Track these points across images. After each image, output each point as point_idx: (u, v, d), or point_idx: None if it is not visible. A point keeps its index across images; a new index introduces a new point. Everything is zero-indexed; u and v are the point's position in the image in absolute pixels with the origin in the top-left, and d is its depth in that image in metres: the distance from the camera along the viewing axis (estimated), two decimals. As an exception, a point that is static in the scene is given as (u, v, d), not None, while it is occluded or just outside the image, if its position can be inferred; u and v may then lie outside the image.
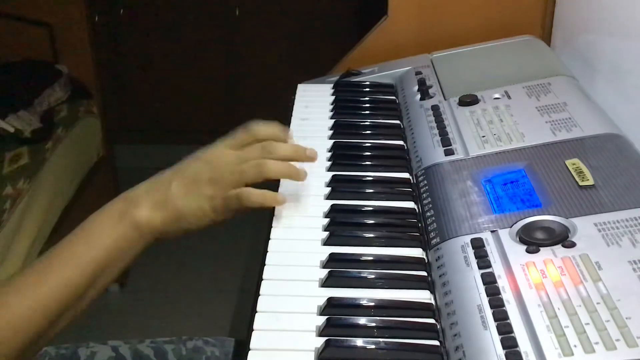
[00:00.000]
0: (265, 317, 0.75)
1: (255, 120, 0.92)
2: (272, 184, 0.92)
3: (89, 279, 0.79)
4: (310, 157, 0.92)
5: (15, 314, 0.74)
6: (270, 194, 0.86)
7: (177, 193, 0.84)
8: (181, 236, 0.86)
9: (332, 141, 1.10)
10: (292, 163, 0.89)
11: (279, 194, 0.88)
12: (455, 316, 0.72)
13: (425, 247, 0.86)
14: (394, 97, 1.26)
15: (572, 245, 0.75)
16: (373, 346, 0.71)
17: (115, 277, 0.83)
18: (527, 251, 0.76)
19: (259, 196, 0.85)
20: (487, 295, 0.72)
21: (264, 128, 0.91)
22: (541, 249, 0.76)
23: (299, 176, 0.89)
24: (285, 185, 0.95)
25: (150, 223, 0.83)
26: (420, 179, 0.99)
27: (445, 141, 1.03)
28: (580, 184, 0.85)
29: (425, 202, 0.93)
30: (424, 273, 0.82)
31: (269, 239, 0.88)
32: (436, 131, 1.07)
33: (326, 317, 0.74)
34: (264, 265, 0.83)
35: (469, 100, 1.12)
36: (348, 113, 1.20)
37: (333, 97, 1.26)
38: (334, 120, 1.17)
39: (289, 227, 0.90)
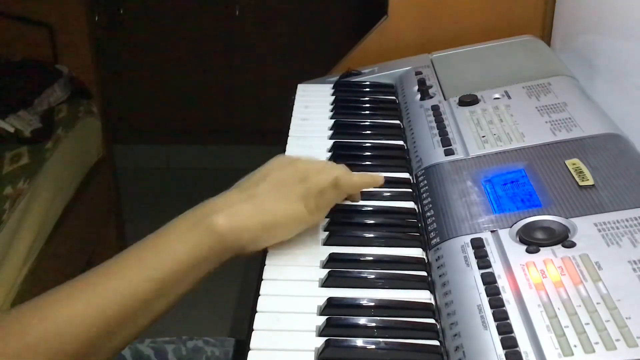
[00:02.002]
0: (265, 317, 0.75)
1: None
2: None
3: (156, 288, 0.72)
4: (381, 182, 0.90)
5: (63, 317, 0.68)
6: (369, 175, 0.84)
7: (266, 194, 0.78)
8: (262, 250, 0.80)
9: (332, 141, 1.10)
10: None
11: (377, 175, 0.85)
12: (455, 316, 0.72)
13: (425, 247, 0.86)
14: (394, 97, 1.26)
15: (572, 245, 0.75)
16: (373, 346, 0.71)
17: (186, 291, 0.76)
18: (527, 251, 0.76)
19: (359, 177, 0.83)
20: (487, 295, 0.72)
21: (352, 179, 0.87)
22: (541, 249, 0.76)
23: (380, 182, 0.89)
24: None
25: (232, 230, 0.76)
26: (420, 179, 0.99)
27: (445, 141, 1.03)
28: (580, 184, 0.85)
29: (425, 202, 0.93)
30: (424, 273, 0.82)
31: (269, 239, 0.88)
32: (436, 131, 1.07)
33: (326, 317, 0.74)
34: (264, 265, 0.83)
35: (469, 100, 1.12)
36: (348, 113, 1.20)
37: (333, 97, 1.26)
38: (334, 120, 1.18)
39: (289, 227, 0.90)
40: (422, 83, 1.22)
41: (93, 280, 0.71)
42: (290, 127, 1.16)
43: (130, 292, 0.71)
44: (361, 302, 0.76)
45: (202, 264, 0.76)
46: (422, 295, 0.78)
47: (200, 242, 0.75)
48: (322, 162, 0.86)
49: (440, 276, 0.79)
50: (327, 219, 0.91)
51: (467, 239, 0.81)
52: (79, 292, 0.70)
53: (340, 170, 0.85)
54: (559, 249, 0.75)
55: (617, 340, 0.63)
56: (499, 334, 0.67)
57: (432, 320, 0.75)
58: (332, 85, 1.31)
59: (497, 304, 0.71)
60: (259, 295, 0.78)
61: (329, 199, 0.83)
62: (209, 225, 0.75)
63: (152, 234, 0.76)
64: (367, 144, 1.11)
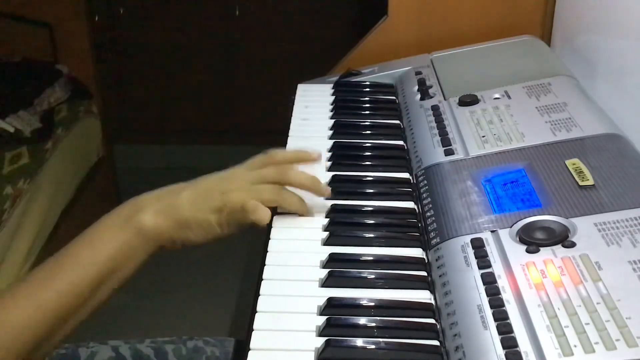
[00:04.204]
0: (265, 317, 0.75)
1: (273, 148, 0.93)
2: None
3: (93, 283, 0.78)
4: (324, 193, 0.92)
5: (17, 319, 0.74)
6: (267, 214, 0.85)
7: (185, 202, 0.84)
8: (187, 247, 0.85)
9: (332, 141, 1.10)
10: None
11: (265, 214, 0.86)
12: (455, 316, 0.72)
13: (425, 247, 0.86)
14: (394, 97, 1.26)
15: (572, 245, 0.75)
16: (373, 346, 0.71)
17: (120, 283, 0.82)
18: (527, 251, 0.76)
19: (265, 213, 0.84)
20: (487, 295, 0.72)
21: (282, 153, 0.92)
22: (541, 249, 0.76)
23: (307, 214, 0.91)
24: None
25: (155, 229, 0.82)
26: (420, 179, 0.99)
27: (445, 141, 1.03)
28: (580, 184, 0.85)
29: (425, 202, 0.93)
30: (424, 273, 0.82)
31: (269, 239, 0.88)
32: (436, 131, 1.07)
33: (326, 317, 0.74)
34: (264, 265, 0.83)
35: (469, 100, 1.12)
36: (348, 113, 1.20)
37: (333, 97, 1.26)
38: (334, 120, 1.18)
39: (289, 227, 0.90)
40: (422, 83, 1.22)
41: (36, 283, 0.77)
42: (290, 127, 1.16)
43: (71, 291, 0.77)
44: (361, 302, 0.76)
45: (132, 258, 0.82)
46: (422, 295, 0.78)
47: (129, 239, 0.81)
48: (258, 175, 0.87)
49: (440, 276, 0.79)
50: (327, 219, 0.91)
51: (467, 239, 0.81)
52: (25, 296, 0.76)
53: (265, 196, 0.86)
54: (559, 249, 0.75)
55: (617, 340, 0.63)
56: (499, 334, 0.67)
57: (432, 320, 0.75)
58: (332, 85, 1.31)
59: (497, 304, 0.71)
60: (259, 295, 0.78)
61: (238, 219, 0.85)
62: (135, 223, 0.81)
63: (85, 233, 0.82)
64: (367, 144, 1.11)
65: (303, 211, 0.91)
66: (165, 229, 0.83)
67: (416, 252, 0.85)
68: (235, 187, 0.86)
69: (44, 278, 0.77)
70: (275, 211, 0.91)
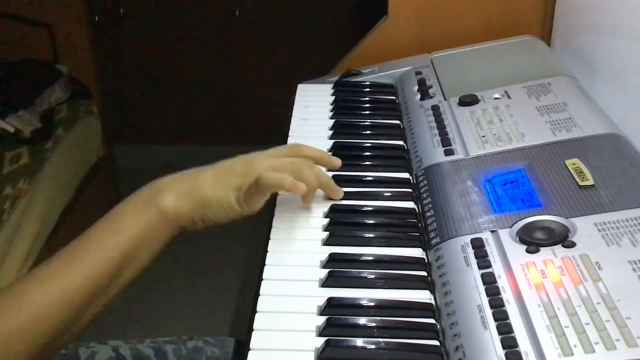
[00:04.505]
0: (265, 317, 0.75)
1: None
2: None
3: (115, 267, 0.78)
4: (337, 196, 0.94)
5: (40, 304, 0.73)
6: (291, 179, 0.86)
7: (205, 181, 0.84)
8: (209, 228, 0.86)
9: (332, 141, 1.10)
10: None
11: (299, 182, 0.87)
12: (455, 316, 0.72)
13: (425, 247, 0.86)
14: (394, 97, 1.26)
15: (572, 245, 0.75)
16: (373, 346, 0.71)
17: (143, 267, 0.81)
18: (527, 251, 0.76)
19: (277, 178, 0.85)
20: (487, 295, 0.72)
21: (308, 148, 0.93)
22: (541, 249, 0.76)
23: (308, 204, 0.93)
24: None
25: (176, 209, 0.82)
26: (420, 179, 0.99)
27: (445, 141, 1.03)
28: (580, 184, 0.85)
29: (425, 202, 0.93)
30: (424, 273, 0.82)
31: (269, 239, 0.88)
32: (436, 131, 1.07)
33: (326, 317, 0.74)
34: (264, 265, 0.83)
35: (469, 100, 1.12)
36: (348, 113, 1.20)
37: (333, 97, 1.26)
38: (334, 120, 1.18)
39: (289, 227, 0.90)
40: (422, 83, 1.22)
41: (60, 266, 0.77)
42: (290, 127, 1.16)
43: (94, 273, 0.76)
44: (361, 302, 0.76)
45: (154, 240, 0.82)
46: (422, 295, 0.78)
47: (151, 220, 0.81)
48: (280, 163, 0.88)
49: (440, 276, 0.79)
50: (327, 219, 0.91)
51: (467, 239, 0.81)
52: (49, 279, 0.75)
53: (286, 174, 0.87)
54: (559, 249, 0.75)
55: (617, 340, 0.63)
56: (499, 334, 0.67)
57: (432, 320, 0.75)
58: (332, 85, 1.31)
59: (497, 304, 0.71)
60: (259, 295, 0.78)
61: (255, 194, 0.87)
62: (156, 204, 0.82)
63: (106, 216, 0.81)
64: (367, 144, 1.11)
65: (310, 198, 0.92)
66: (186, 209, 0.83)
67: (416, 252, 0.85)
68: (255, 166, 0.86)
69: (67, 261, 0.77)
70: (275, 210, 0.91)
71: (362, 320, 0.74)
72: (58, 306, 0.74)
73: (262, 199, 0.88)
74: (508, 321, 0.68)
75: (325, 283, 0.80)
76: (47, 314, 0.73)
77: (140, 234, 0.80)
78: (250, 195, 0.86)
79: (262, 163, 0.87)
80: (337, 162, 0.96)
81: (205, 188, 0.84)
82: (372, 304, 0.76)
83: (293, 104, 1.25)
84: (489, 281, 0.74)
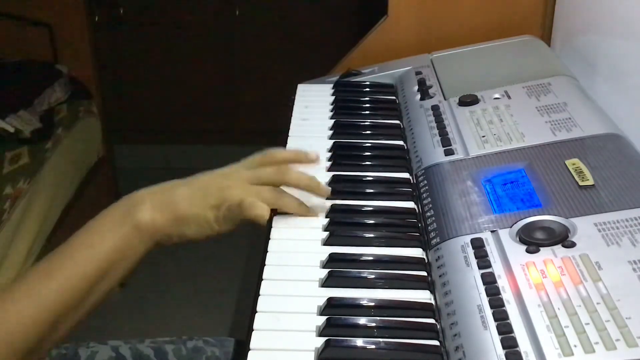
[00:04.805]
0: (265, 317, 0.75)
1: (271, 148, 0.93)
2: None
3: (90, 282, 0.78)
4: (323, 193, 0.92)
5: (17, 318, 0.74)
6: (267, 213, 0.85)
7: (183, 197, 0.84)
8: (183, 244, 0.86)
9: (332, 141, 1.10)
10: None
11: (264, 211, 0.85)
12: (455, 316, 0.72)
13: (425, 247, 0.86)
14: (394, 97, 1.26)
15: (572, 245, 0.75)
16: (373, 346, 0.71)
17: (118, 279, 0.82)
18: (527, 251, 0.76)
19: (262, 209, 0.84)
20: (487, 295, 0.72)
21: (281, 152, 0.92)
22: (541, 249, 0.76)
23: (306, 214, 0.91)
24: (285, 185, 0.94)
25: (151, 224, 0.82)
26: (420, 179, 0.99)
27: (445, 141, 1.03)
28: (580, 184, 0.85)
29: (425, 202, 0.93)
30: (424, 273, 0.82)
31: (269, 239, 0.88)
32: (436, 131, 1.07)
33: (326, 317, 0.74)
34: (264, 265, 0.83)
35: (469, 100, 1.12)
36: (348, 113, 1.20)
37: (333, 97, 1.26)
38: (334, 120, 1.18)
39: (289, 227, 0.90)
40: (422, 83, 1.22)
41: (35, 280, 0.77)
42: (290, 127, 1.16)
43: (69, 289, 0.77)
44: (361, 302, 0.76)
45: (130, 254, 0.82)
46: (422, 295, 0.78)
47: (126, 234, 0.81)
48: (256, 174, 0.88)
49: (440, 276, 0.79)
50: (327, 219, 0.91)
51: (467, 239, 0.81)
52: (24, 294, 0.76)
53: (265, 196, 0.86)
54: (559, 249, 0.75)
55: (617, 340, 0.63)
56: (499, 334, 0.67)
57: (432, 320, 0.75)
58: (332, 85, 1.31)
59: (497, 304, 0.71)
60: (259, 295, 0.78)
61: (235, 215, 0.85)
62: (132, 219, 0.82)
63: (82, 230, 0.82)
64: (367, 144, 1.11)
65: (302, 212, 0.91)
66: (162, 224, 0.83)
67: (416, 252, 0.85)
68: (234, 184, 0.86)
69: (43, 275, 0.77)
70: (275, 211, 0.91)
71: (362, 320, 0.74)
72: (33, 323, 0.75)
73: (238, 219, 0.86)
74: (508, 321, 0.68)
75: (325, 283, 0.80)
76: (23, 330, 0.74)
77: (116, 249, 0.80)
78: (230, 216, 0.85)
79: (239, 183, 0.86)
80: (312, 156, 0.94)
81: (182, 204, 0.84)
82: (372, 304, 0.76)
83: (293, 104, 1.25)
84: (489, 281, 0.74)
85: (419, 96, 1.19)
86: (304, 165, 0.92)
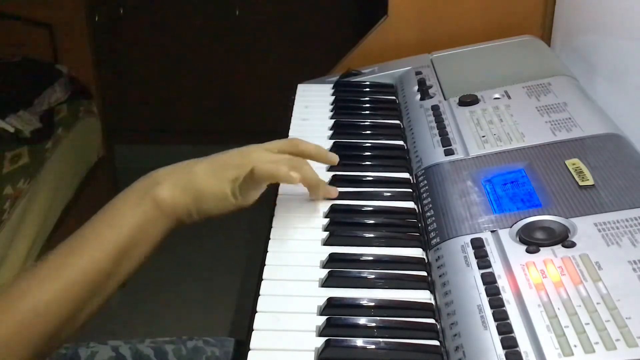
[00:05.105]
0: (265, 317, 0.75)
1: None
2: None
3: (114, 260, 0.78)
4: (330, 195, 0.94)
5: (40, 302, 0.73)
6: (284, 169, 0.85)
7: (201, 174, 0.84)
8: (204, 220, 0.86)
9: (332, 141, 1.10)
10: None
11: (293, 172, 0.86)
12: (455, 316, 0.72)
13: (425, 247, 0.86)
14: (394, 97, 1.26)
15: (572, 245, 0.75)
16: (373, 346, 0.71)
17: (140, 260, 0.81)
18: (527, 251, 0.76)
19: (271, 169, 0.85)
20: (487, 295, 0.72)
21: (305, 144, 0.93)
22: (541, 249, 0.76)
23: (322, 190, 0.93)
24: (284, 184, 0.95)
25: (172, 201, 0.82)
26: (420, 179, 0.99)
27: (445, 141, 1.03)
28: (580, 184, 0.85)
29: (425, 202, 0.93)
30: (424, 273, 0.82)
31: (269, 239, 0.88)
32: (436, 131, 1.07)
33: (326, 317, 0.74)
34: (264, 265, 0.83)
35: (469, 100, 1.12)
36: (348, 113, 1.20)
37: (333, 97, 1.26)
38: (334, 120, 1.18)
39: (289, 227, 0.90)
40: (422, 83, 1.22)
41: (59, 263, 0.76)
42: (290, 127, 1.16)
43: (93, 268, 0.77)
44: (361, 302, 0.76)
45: (152, 233, 0.81)
46: (422, 295, 0.78)
47: (147, 212, 0.81)
48: (275, 157, 0.88)
49: (440, 276, 0.79)
50: (327, 219, 0.91)
51: (467, 239, 0.81)
52: (48, 276, 0.75)
53: (282, 167, 0.86)
54: (559, 249, 0.75)
55: (617, 340, 0.63)
56: (499, 334, 0.67)
57: (432, 320, 0.75)
58: (332, 85, 1.31)
59: (497, 304, 0.71)
60: (259, 295, 0.78)
61: (250, 187, 0.87)
62: (152, 197, 0.82)
63: (102, 210, 0.82)
64: (367, 144, 1.11)
65: (319, 186, 0.92)
66: (181, 201, 0.83)
67: (416, 252, 0.85)
68: (251, 161, 0.86)
69: (65, 256, 0.77)
70: (275, 210, 0.91)
71: (362, 320, 0.74)
72: (58, 303, 0.74)
73: (257, 191, 0.88)
74: (508, 321, 0.68)
75: (325, 283, 0.80)
76: (47, 311, 0.73)
77: (138, 227, 0.80)
78: (246, 187, 0.86)
79: (258, 156, 0.87)
80: (334, 157, 0.96)
81: (200, 179, 0.84)
82: (372, 304, 0.76)
83: (293, 104, 1.25)
84: (489, 281, 0.74)
85: (419, 96, 1.19)
86: (323, 162, 0.96)
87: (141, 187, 0.83)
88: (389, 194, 0.97)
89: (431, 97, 1.18)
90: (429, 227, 0.88)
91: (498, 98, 1.11)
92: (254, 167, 0.85)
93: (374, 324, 0.73)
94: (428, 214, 0.90)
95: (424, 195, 0.95)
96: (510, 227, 0.81)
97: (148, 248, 0.81)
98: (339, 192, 0.95)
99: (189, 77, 2.85)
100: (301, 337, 0.72)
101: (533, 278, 0.72)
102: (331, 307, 0.76)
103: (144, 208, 0.81)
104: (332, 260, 0.83)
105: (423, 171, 0.99)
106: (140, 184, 0.84)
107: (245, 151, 0.89)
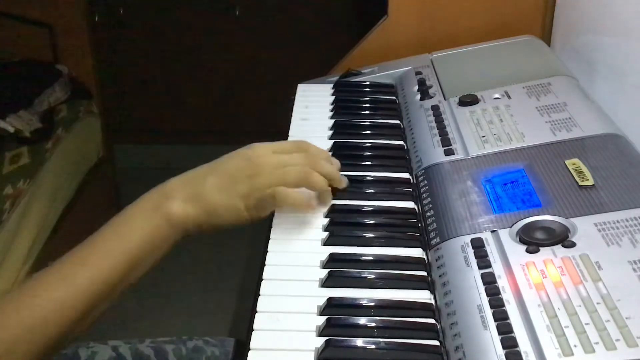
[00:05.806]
0: (265, 317, 0.75)
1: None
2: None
3: (122, 272, 0.78)
4: (343, 187, 0.94)
5: (46, 308, 0.74)
6: (306, 202, 0.86)
7: (212, 187, 0.84)
8: (212, 232, 0.86)
9: (332, 141, 1.10)
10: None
11: (312, 201, 0.87)
12: (455, 316, 0.72)
13: (425, 247, 0.86)
14: (394, 97, 1.26)
15: (572, 245, 0.75)
16: (373, 346, 0.71)
17: (146, 270, 0.82)
18: (527, 251, 0.76)
19: (296, 198, 0.85)
20: (487, 295, 0.72)
21: (314, 146, 0.92)
22: (541, 249, 0.76)
23: (327, 201, 0.92)
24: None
25: (183, 216, 0.82)
26: (420, 179, 0.99)
27: (445, 141, 1.03)
28: (580, 184, 0.85)
29: (425, 202, 0.93)
30: (424, 273, 0.82)
31: (269, 239, 0.88)
32: (436, 131, 1.07)
33: (326, 317, 0.74)
34: (264, 265, 0.83)
35: (469, 100, 1.12)
36: (348, 113, 1.20)
37: (333, 97, 1.26)
38: (334, 120, 1.18)
39: (289, 227, 0.90)
40: (422, 83, 1.22)
41: (67, 271, 0.77)
42: (290, 127, 1.16)
43: (101, 278, 0.77)
44: (361, 302, 0.76)
45: (160, 246, 0.82)
46: (422, 295, 0.78)
47: (158, 226, 0.81)
48: (285, 160, 0.88)
49: (440, 276, 0.79)
50: (327, 219, 0.91)
51: (467, 239, 0.81)
52: (56, 284, 0.76)
53: (291, 179, 0.86)
54: (559, 249, 0.75)
55: (617, 340, 0.63)
56: (499, 334, 0.67)
57: (432, 320, 0.75)
58: (332, 85, 1.31)
59: (497, 304, 0.71)
60: (259, 295, 0.78)
61: (267, 205, 0.86)
62: (164, 211, 0.82)
63: (113, 220, 0.82)
64: (367, 144, 1.11)
65: (327, 197, 0.92)
66: (193, 216, 0.83)
67: (416, 252, 0.85)
68: (261, 170, 0.86)
69: (74, 265, 0.77)
70: (275, 210, 0.91)
71: (362, 320, 0.74)
72: (64, 311, 0.74)
73: (271, 207, 0.88)
74: (508, 321, 0.68)
75: (325, 283, 0.80)
76: (53, 318, 0.74)
77: (148, 240, 0.81)
78: (262, 205, 0.86)
79: (268, 161, 0.86)
80: (342, 182, 0.94)
81: (212, 195, 0.84)
82: (372, 304, 0.76)
83: (293, 103, 1.25)
84: (489, 281, 0.74)
85: (419, 96, 1.19)
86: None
87: (153, 200, 0.83)
88: (389, 194, 0.97)
89: (431, 97, 1.18)
90: (429, 227, 0.88)
91: (498, 98, 1.11)
92: (275, 192, 0.84)
93: (374, 324, 0.73)
94: (428, 214, 0.90)
95: (424, 195, 0.95)
96: (510, 227, 0.81)
97: (155, 259, 0.82)
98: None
99: (189, 77, 2.85)
100: (301, 337, 0.72)
101: (533, 278, 0.72)
102: (331, 307, 0.76)
103: (155, 222, 0.81)
104: (332, 260, 0.83)
105: (423, 171, 0.99)
106: (152, 195, 0.84)
107: (253, 157, 0.87)
